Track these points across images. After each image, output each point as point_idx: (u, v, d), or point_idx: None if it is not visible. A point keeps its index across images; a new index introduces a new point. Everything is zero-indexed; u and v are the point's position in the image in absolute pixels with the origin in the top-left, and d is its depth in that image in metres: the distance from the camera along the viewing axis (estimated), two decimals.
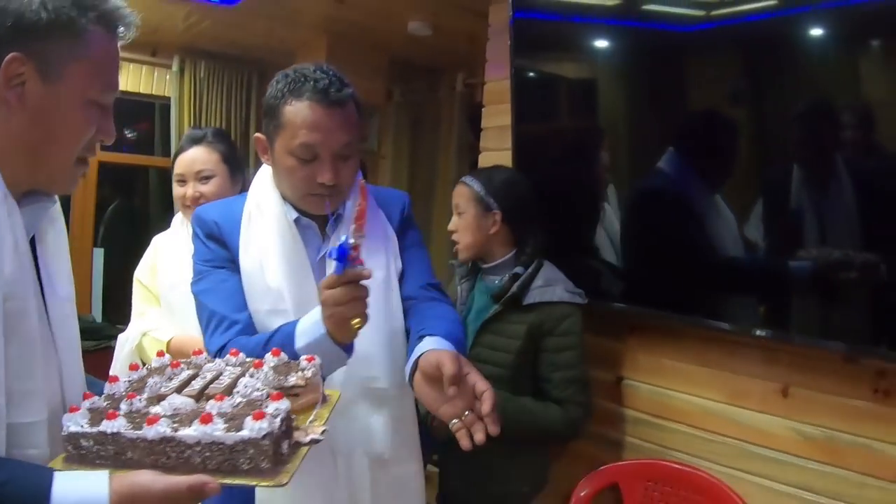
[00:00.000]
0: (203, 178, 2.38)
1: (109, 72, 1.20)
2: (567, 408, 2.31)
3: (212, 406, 1.14)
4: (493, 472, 2.32)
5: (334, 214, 1.76)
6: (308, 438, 1.19)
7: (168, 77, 5.12)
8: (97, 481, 1.03)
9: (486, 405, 1.40)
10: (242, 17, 4.37)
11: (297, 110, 1.62)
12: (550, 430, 2.32)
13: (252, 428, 1.07)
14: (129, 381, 1.28)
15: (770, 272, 2.17)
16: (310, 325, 1.53)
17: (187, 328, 2.21)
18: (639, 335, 2.62)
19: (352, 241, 1.41)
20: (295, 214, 1.76)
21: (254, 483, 1.08)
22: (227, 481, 1.06)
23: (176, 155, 2.44)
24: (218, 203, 1.91)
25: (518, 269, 2.36)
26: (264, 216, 1.77)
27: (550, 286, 2.34)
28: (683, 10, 2.28)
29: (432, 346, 1.53)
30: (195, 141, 2.42)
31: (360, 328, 1.47)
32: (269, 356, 1.38)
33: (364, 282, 1.48)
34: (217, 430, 1.07)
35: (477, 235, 2.39)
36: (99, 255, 5.26)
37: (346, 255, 1.40)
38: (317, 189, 1.67)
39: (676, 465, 2.43)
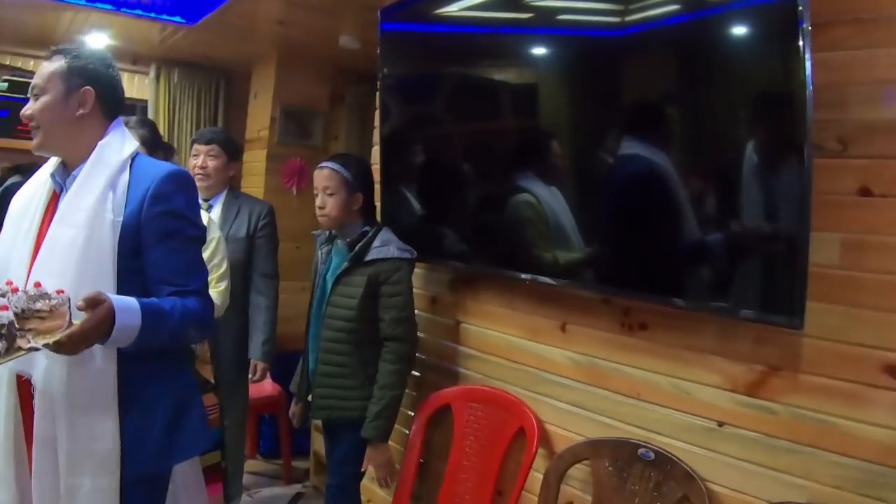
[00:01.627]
0: None
1: None
2: (396, 344, 2.54)
3: None
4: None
5: (68, 175, 1.73)
6: (28, 346, 1.35)
7: (146, 83, 5.20)
8: None
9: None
10: (206, 34, 4.49)
11: None
12: (399, 380, 2.55)
13: None
14: None
15: (543, 232, 2.34)
16: None
17: None
18: (471, 287, 2.78)
19: None
20: (53, 169, 1.78)
21: None
22: None
23: None
24: None
25: (366, 229, 2.58)
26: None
27: (386, 245, 2.56)
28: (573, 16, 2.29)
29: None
30: None
31: None
32: (31, 286, 1.48)
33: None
34: None
35: (344, 212, 2.58)
36: None
37: None
38: None
39: (490, 389, 2.61)
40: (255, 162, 5.00)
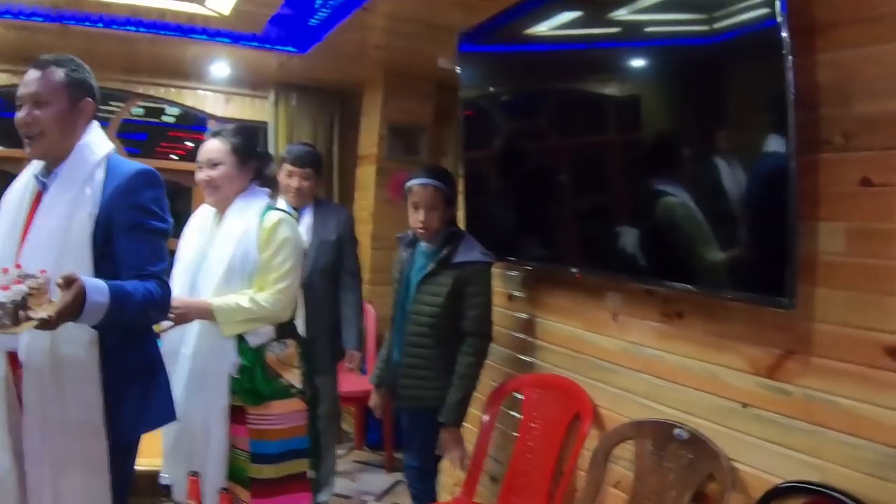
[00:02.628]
0: (213, 164, 2.37)
1: None
2: (476, 339, 2.74)
3: None
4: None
5: (49, 174, 1.88)
6: (38, 316, 1.56)
7: (266, 106, 5.55)
8: None
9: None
10: (318, 60, 4.82)
11: None
12: (476, 371, 2.75)
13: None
14: None
15: (598, 238, 2.51)
16: None
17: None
18: (544, 284, 2.95)
19: None
20: (35, 171, 1.93)
21: None
22: None
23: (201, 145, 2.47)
24: None
25: (452, 232, 2.80)
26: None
27: (471, 250, 2.77)
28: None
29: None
30: (214, 134, 2.44)
31: None
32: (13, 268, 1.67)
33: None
34: None
35: (442, 223, 2.81)
36: None
37: None
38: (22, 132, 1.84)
39: (554, 377, 2.79)
40: (366, 177, 5.32)
